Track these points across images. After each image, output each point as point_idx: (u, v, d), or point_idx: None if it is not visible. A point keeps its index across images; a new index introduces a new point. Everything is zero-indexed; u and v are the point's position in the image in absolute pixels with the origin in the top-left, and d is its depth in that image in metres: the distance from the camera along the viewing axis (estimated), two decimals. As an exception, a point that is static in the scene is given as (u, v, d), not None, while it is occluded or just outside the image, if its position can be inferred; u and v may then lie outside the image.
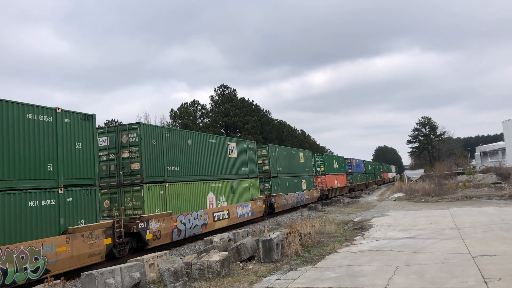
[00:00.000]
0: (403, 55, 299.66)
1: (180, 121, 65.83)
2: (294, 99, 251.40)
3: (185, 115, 67.22)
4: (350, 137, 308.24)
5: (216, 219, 20.76)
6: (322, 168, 42.96)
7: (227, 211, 22.08)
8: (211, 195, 20.74)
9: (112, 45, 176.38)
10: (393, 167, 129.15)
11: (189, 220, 18.47)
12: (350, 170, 56.60)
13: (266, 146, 29.24)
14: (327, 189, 42.83)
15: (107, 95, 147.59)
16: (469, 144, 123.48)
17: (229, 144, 23.43)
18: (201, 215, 19.39)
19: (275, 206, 28.43)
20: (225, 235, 14.29)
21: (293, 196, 32.68)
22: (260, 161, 28.06)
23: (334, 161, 48.07)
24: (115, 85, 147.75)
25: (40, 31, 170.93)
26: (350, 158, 58.19)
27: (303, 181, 35.83)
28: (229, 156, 23.34)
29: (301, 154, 36.88)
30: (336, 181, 46.99)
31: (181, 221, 17.80)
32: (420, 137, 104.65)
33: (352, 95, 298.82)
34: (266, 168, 28.69)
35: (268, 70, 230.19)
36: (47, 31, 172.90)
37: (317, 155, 44.02)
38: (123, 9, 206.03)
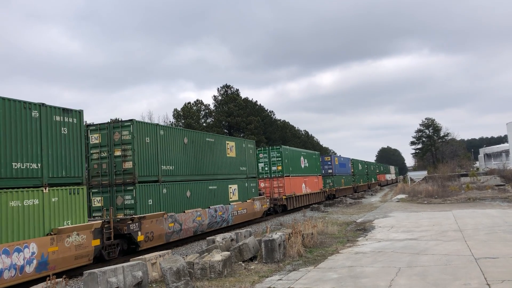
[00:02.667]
0: (412, 56, 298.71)
1: (183, 121, 65.91)
2: (301, 100, 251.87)
3: (189, 115, 67.29)
4: (355, 138, 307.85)
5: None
6: (280, 168, 30.81)
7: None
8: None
9: (123, 44, 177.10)
10: (392, 168, 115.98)
11: (185, 220, 17.74)
12: (330, 171, 45.70)
13: (129, 123, 15.74)
14: (285, 197, 30.31)
15: (115, 94, 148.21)
16: (473, 146, 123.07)
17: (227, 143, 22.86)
18: (198, 216, 18.71)
19: (140, 238, 15.02)
20: (227, 235, 14.30)
21: (201, 214, 18.81)
22: (118, 153, 15.81)
23: (303, 158, 36.41)
24: (124, 84, 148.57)
25: (51, 30, 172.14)
26: (330, 155, 48.46)
27: (233, 187, 22.60)
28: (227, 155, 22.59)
29: (230, 144, 23.08)
30: (304, 185, 35.34)
31: (176, 221, 17.04)
32: (424, 139, 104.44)
33: (359, 96, 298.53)
34: (129, 165, 15.64)
35: (277, 70, 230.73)
36: (59, 29, 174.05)
37: (272, 149, 31.74)
38: (135, 8, 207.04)
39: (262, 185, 30.41)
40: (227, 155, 22.59)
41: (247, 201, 24.15)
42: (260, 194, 26.92)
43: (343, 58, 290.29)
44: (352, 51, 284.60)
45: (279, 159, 31.18)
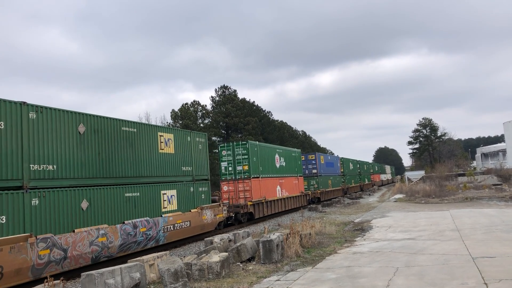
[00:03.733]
0: (410, 56, 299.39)
1: (181, 122, 65.86)
2: (300, 100, 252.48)
3: (186, 116, 67.25)
4: (353, 138, 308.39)
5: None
6: (246, 168, 25.92)
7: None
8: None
9: (123, 45, 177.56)
10: (388, 167, 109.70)
11: (74, 244, 12.43)
12: (315, 171, 40.56)
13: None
14: (251, 203, 25.10)
15: (114, 95, 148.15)
16: (470, 146, 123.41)
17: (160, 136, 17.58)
18: (100, 236, 13.50)
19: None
20: (225, 235, 14.29)
21: (107, 233, 13.87)
22: None
23: (278, 156, 30.90)
24: (123, 85, 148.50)
25: (51, 31, 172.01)
26: (315, 154, 42.42)
27: (169, 193, 17.65)
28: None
29: (166, 136, 18.15)
30: (279, 188, 30.20)
31: (54, 247, 11.77)
32: (421, 138, 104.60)
33: (358, 96, 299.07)
34: None
35: (276, 70, 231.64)
36: (58, 31, 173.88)
37: (237, 145, 26.47)
38: (135, 9, 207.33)
39: (225, 188, 25.95)
40: (160, 151, 17.41)
41: (192, 211, 18.85)
42: (214, 201, 21.66)
43: (342, 58, 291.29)
44: (351, 51, 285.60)
45: (245, 157, 26.00)
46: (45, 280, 8.36)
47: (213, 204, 21.07)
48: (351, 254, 12.39)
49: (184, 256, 13.75)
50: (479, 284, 8.19)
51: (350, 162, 58.46)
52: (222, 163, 26.51)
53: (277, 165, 30.64)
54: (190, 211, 18.83)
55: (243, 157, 26.13)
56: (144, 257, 10.90)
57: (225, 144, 27.10)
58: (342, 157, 54.17)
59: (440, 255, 11.19)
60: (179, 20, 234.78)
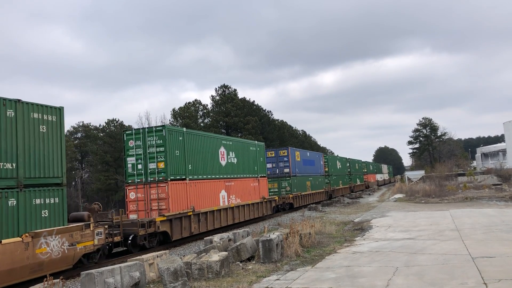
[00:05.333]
0: (413, 55, 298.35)
1: (181, 121, 65.88)
2: (301, 99, 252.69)
3: (186, 115, 67.28)
4: (353, 138, 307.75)
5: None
6: (162, 165, 18.00)
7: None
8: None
9: (126, 44, 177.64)
10: (384, 167, 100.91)
11: None
12: (287, 170, 33.09)
13: None
14: (165, 218, 17.14)
15: (117, 94, 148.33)
16: (470, 145, 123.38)
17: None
18: None
19: None
20: (225, 235, 14.29)
21: None
22: None
23: (224, 150, 22.93)
24: (125, 84, 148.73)
25: (55, 29, 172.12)
26: (287, 149, 33.98)
27: None
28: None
29: None
30: (225, 194, 22.46)
31: None
32: (421, 138, 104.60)
33: (360, 96, 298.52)
34: None
35: (279, 69, 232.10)
36: (63, 30, 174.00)
37: (150, 131, 18.43)
38: (139, 7, 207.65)
39: (132, 196, 18.08)
40: None
41: (4, 241, 10.83)
42: (79, 220, 13.70)
43: (345, 58, 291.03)
44: (354, 51, 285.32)
45: (161, 149, 17.91)
46: (44, 279, 8.36)
47: (71, 225, 13.01)
48: (350, 254, 12.39)
49: (184, 255, 13.75)
50: (479, 284, 8.19)
51: (337, 160, 51.10)
52: (128, 159, 18.45)
53: (223, 162, 22.56)
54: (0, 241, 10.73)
55: (158, 149, 18.00)
56: (144, 256, 10.90)
57: (133, 131, 18.56)
58: (327, 155, 47.40)
59: (440, 255, 11.19)
60: (183, 19, 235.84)
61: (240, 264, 11.74)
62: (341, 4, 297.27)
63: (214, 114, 71.22)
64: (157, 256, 11.18)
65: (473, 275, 8.84)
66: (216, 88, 76.43)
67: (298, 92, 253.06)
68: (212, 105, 73.76)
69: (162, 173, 17.97)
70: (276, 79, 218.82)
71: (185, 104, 70.21)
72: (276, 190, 32.66)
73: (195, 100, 72.65)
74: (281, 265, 11.38)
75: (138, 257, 10.88)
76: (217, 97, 74.16)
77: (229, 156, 23.53)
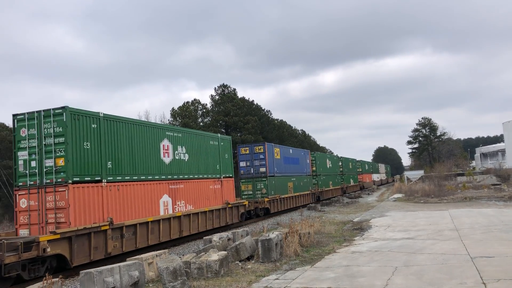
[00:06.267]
0: (414, 55, 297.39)
1: (180, 120, 65.87)
2: (302, 99, 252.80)
3: (186, 114, 67.27)
4: (353, 138, 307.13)
5: None
6: (61, 162, 13.15)
7: None
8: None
9: (128, 43, 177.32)
10: (381, 166, 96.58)
11: None
12: (263, 170, 28.46)
13: None
14: (62, 236, 12.27)
15: (117, 94, 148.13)
16: (469, 145, 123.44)
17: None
18: None
19: None
20: (224, 234, 14.30)
21: None
22: None
23: (169, 144, 18.40)
24: (126, 84, 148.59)
25: (57, 29, 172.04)
26: (263, 144, 29.22)
27: None
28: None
29: None
30: (169, 200, 17.80)
31: None
32: (420, 138, 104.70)
33: (360, 95, 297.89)
34: None
35: (280, 69, 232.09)
36: (65, 29, 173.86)
37: (47, 115, 13.44)
38: (141, 6, 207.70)
39: (23, 204, 13.49)
40: None
41: None
42: None
43: (346, 57, 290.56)
44: (355, 50, 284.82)
45: (61, 139, 13.33)
46: (44, 278, 8.36)
47: None
48: (350, 254, 12.40)
49: (183, 255, 13.76)
50: (478, 283, 8.20)
51: (327, 158, 46.87)
52: (19, 154, 13.87)
53: (166, 159, 17.97)
54: None
55: (57, 140, 13.36)
56: (143, 256, 10.90)
57: (26, 115, 13.80)
58: (314, 152, 42.59)
59: (439, 255, 11.20)
60: (185, 18, 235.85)
61: (240, 264, 11.75)
62: (343, 4, 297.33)
63: (213, 114, 71.24)
64: (156, 255, 11.18)
65: (472, 275, 8.85)
66: (215, 88, 76.45)
67: (298, 92, 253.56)
68: (212, 105, 73.78)
69: (62, 173, 13.21)
70: (277, 79, 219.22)
71: (184, 103, 70.17)
72: (251, 193, 28.40)
73: (194, 99, 72.68)
74: (280, 265, 11.39)
75: (137, 256, 10.89)
76: (217, 97, 74.19)
77: (176, 152, 18.79)
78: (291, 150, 35.58)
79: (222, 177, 22.72)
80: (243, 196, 28.14)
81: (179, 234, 18.26)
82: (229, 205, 22.69)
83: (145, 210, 16.22)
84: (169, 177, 18.07)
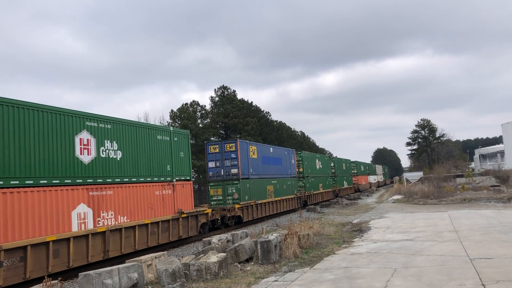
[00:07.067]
0: (415, 56, 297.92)
1: (179, 122, 65.87)
2: (302, 100, 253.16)
3: (185, 116, 67.28)
4: (352, 139, 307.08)
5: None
6: None
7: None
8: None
9: (129, 45, 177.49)
10: (379, 167, 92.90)
11: None
12: (235, 171, 24.58)
13: None
14: None
15: (118, 95, 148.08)
16: (468, 147, 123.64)
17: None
18: None
19: None
20: (223, 236, 14.29)
21: None
22: None
23: (89, 137, 14.26)
24: (127, 85, 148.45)
25: (58, 30, 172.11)
26: (235, 142, 25.33)
27: None
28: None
29: None
30: (89, 212, 13.73)
31: None
32: (419, 139, 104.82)
33: (360, 97, 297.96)
34: None
35: (281, 70, 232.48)
36: (65, 30, 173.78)
37: None
38: (142, 8, 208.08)
39: None
40: None
41: None
42: None
43: (347, 59, 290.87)
44: (356, 52, 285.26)
45: None
46: (43, 280, 8.35)
47: None
48: (349, 255, 12.40)
49: (182, 257, 13.74)
50: (477, 285, 8.19)
51: (316, 158, 42.06)
52: None
53: (85, 158, 14.10)
54: None
55: None
56: (142, 257, 10.89)
57: None
58: (300, 151, 38.01)
59: (438, 256, 11.20)
60: (186, 20, 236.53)
61: (239, 265, 11.73)
62: (344, 5, 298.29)
63: (213, 115, 71.26)
64: (155, 257, 11.16)
65: (471, 277, 8.85)
66: (215, 89, 76.57)
67: (299, 93, 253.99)
68: (211, 106, 73.84)
69: None
70: (277, 80, 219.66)
71: (182, 105, 70.17)
72: (221, 198, 24.46)
73: (193, 101, 72.71)
74: (279, 266, 11.38)
75: (136, 258, 10.87)
76: (216, 98, 74.24)
77: (102, 148, 14.85)
78: (271, 148, 30.81)
79: (174, 180, 18.60)
80: (212, 203, 24.50)
81: (103, 256, 14.13)
82: (184, 215, 18.57)
83: (46, 226, 12.17)
84: (88, 180, 13.98)
